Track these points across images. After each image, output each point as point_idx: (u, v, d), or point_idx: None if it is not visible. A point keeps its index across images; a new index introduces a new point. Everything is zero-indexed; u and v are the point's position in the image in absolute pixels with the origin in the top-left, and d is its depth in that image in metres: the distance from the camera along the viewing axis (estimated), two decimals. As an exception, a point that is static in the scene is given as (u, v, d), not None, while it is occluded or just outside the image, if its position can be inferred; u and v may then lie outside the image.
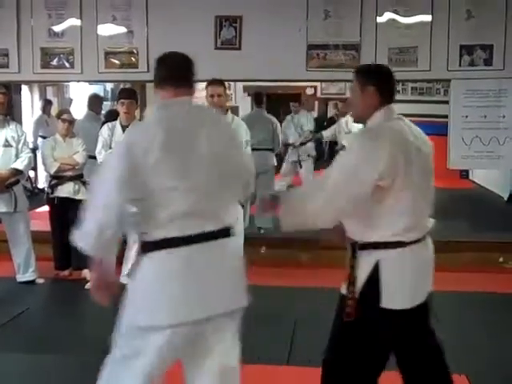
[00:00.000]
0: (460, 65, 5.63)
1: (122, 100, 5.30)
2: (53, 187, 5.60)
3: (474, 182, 11.96)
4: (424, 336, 2.71)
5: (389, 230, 2.52)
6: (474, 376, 3.59)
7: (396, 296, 2.52)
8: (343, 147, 9.23)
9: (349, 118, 9.33)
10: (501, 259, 6.05)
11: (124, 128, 5.28)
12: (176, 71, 2.58)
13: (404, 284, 2.55)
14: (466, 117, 5.69)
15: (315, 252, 6.09)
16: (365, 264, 2.53)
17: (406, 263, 2.55)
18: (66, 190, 5.59)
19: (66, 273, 5.73)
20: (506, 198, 9.43)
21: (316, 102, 14.38)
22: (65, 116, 5.69)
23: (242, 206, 4.95)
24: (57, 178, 5.62)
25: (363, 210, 2.52)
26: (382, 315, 2.52)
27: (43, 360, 3.90)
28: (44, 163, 5.77)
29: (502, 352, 4.06)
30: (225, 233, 2.46)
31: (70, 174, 5.61)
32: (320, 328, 4.38)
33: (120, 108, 5.31)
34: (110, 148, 5.25)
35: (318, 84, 13.36)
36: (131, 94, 5.51)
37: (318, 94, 14.15)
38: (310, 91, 14.06)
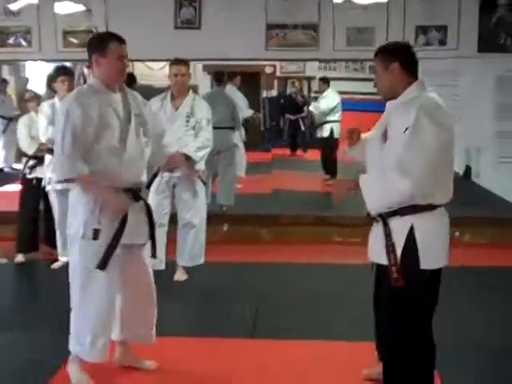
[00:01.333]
0: (415, 44, 5.76)
1: (62, 77, 5.21)
2: (31, 168, 5.45)
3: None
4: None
5: (420, 194, 2.67)
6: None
7: (433, 257, 2.73)
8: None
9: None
10: (457, 233, 6.26)
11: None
12: None
13: (438, 245, 2.77)
14: (422, 95, 5.84)
15: (275, 228, 6.22)
16: (399, 230, 2.70)
17: (437, 225, 2.77)
18: (45, 170, 5.46)
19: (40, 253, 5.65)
20: (461, 173, 9.67)
21: (275, 81, 14.42)
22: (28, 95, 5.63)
23: (204, 184, 5.02)
24: (35, 158, 5.46)
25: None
26: (423, 276, 2.71)
27: (7, 338, 3.90)
28: (19, 142, 5.55)
29: (454, 321, 4.16)
30: None
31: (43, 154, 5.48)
32: (281, 302, 4.57)
33: (61, 86, 5.18)
34: (54, 125, 5.19)
35: (277, 63, 13.38)
36: (69, 71, 5.49)
37: (278, 73, 14.19)
38: (269, 69, 14.10)
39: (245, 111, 8.88)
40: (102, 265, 3.08)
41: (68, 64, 9.61)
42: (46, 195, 5.43)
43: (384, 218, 2.75)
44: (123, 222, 3.12)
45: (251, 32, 5.80)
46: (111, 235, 3.10)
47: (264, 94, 14.28)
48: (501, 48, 5.66)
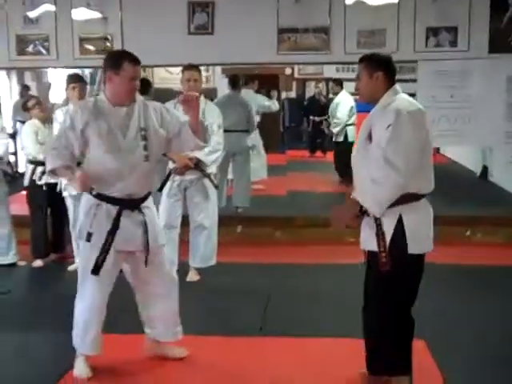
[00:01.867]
0: (426, 46, 5.80)
1: (73, 84, 5.35)
2: (42, 173, 5.52)
3: (448, 158, 12.21)
4: None
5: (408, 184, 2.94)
6: (433, 341, 3.82)
7: (419, 243, 3.02)
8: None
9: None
10: (468, 232, 6.29)
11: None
12: None
13: (424, 232, 3.05)
14: (433, 96, 5.88)
15: (289, 230, 6.29)
16: (389, 219, 2.96)
17: (422, 214, 3.05)
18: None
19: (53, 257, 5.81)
20: (478, 174, 9.67)
21: (294, 83, 14.48)
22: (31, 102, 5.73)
23: (216, 187, 5.12)
24: (42, 164, 5.43)
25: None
26: (410, 260, 3.01)
27: (29, 338, 4.05)
28: (27, 148, 5.66)
29: (461, 319, 4.29)
30: None
31: None
32: (293, 301, 4.65)
33: (72, 93, 5.35)
34: None
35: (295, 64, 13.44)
36: (81, 78, 5.62)
37: (296, 75, 14.24)
38: (288, 71, 14.16)
39: (272, 106, 9.09)
40: (96, 270, 3.29)
41: (88, 70, 9.89)
42: (54, 200, 5.58)
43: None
44: (114, 228, 3.29)
45: (263, 36, 5.87)
46: (103, 240, 3.28)
47: (283, 95, 14.33)
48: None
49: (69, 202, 5.40)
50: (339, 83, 9.56)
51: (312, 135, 13.09)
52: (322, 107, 12.26)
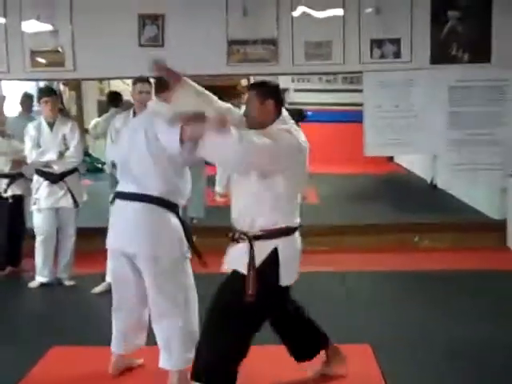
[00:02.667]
0: (371, 57, 5.97)
1: (44, 99, 5.43)
2: (7, 185, 5.58)
3: (402, 167, 12.49)
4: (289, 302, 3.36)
5: (283, 217, 2.98)
6: (377, 345, 3.94)
7: (290, 275, 3.05)
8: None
9: None
10: (416, 239, 6.47)
11: (50, 125, 5.44)
12: None
13: (295, 264, 3.09)
14: (380, 106, 6.06)
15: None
16: (263, 249, 2.96)
17: (295, 247, 3.06)
18: (20, 187, 5.65)
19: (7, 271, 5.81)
20: (428, 181, 9.93)
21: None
22: None
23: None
24: (7, 176, 5.61)
25: (265, 196, 2.93)
26: (278, 291, 3.01)
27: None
28: None
29: (405, 323, 4.42)
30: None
31: (17, 171, 5.64)
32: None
33: (44, 107, 5.43)
34: (39, 146, 5.38)
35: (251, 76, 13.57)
36: (51, 92, 5.66)
37: (252, 86, 14.37)
38: (244, 82, 14.29)
39: None
40: None
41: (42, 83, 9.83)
42: (16, 213, 5.60)
43: (250, 239, 2.96)
44: None
45: (213, 48, 5.97)
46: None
47: (242, 106, 14.39)
48: (452, 59, 5.89)
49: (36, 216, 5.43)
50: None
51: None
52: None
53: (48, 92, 5.57)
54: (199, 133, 2.86)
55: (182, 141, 3.11)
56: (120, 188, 3.49)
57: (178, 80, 3.27)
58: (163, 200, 3.33)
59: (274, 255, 2.95)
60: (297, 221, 3.07)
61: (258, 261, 2.94)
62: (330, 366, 3.54)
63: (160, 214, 3.34)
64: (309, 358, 3.49)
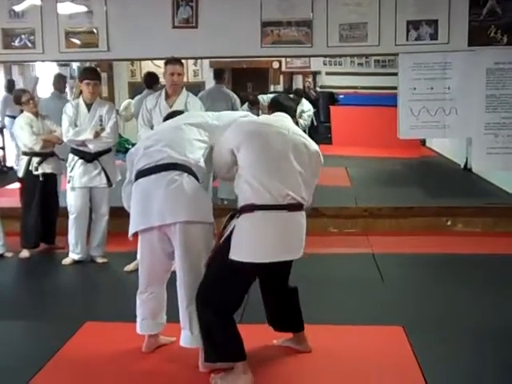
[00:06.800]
0: (407, 39, 5.89)
1: (87, 81, 5.45)
2: (38, 164, 5.65)
3: (434, 151, 12.34)
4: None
5: (248, 196, 3.16)
6: (409, 326, 3.93)
7: (241, 250, 3.15)
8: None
9: None
10: (448, 222, 6.41)
11: (88, 106, 5.47)
12: None
13: (248, 242, 3.16)
14: (414, 89, 5.98)
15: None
16: (232, 224, 3.22)
17: (254, 224, 3.16)
18: (50, 166, 5.72)
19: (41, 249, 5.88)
20: (462, 166, 9.80)
21: (281, 76, 14.54)
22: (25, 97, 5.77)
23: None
24: (38, 155, 5.69)
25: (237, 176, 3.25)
26: (230, 265, 3.18)
27: (14, 326, 4.14)
28: (23, 140, 5.70)
29: (437, 305, 4.40)
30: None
31: (50, 150, 5.74)
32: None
33: (85, 88, 5.45)
34: (76, 126, 5.43)
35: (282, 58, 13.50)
36: (96, 75, 5.65)
37: (283, 68, 14.31)
38: (275, 65, 14.23)
39: None
40: None
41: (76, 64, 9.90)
42: (48, 191, 5.68)
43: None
44: None
45: (246, 30, 5.94)
46: None
47: (271, 88, 14.38)
48: (491, 41, 5.78)
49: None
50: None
51: (303, 129, 13.16)
52: (311, 101, 12.33)
53: (92, 74, 5.57)
54: None
55: None
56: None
57: None
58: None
59: (233, 231, 3.18)
60: (265, 200, 3.12)
61: (226, 234, 3.22)
62: (294, 343, 3.67)
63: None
64: (279, 330, 3.68)
